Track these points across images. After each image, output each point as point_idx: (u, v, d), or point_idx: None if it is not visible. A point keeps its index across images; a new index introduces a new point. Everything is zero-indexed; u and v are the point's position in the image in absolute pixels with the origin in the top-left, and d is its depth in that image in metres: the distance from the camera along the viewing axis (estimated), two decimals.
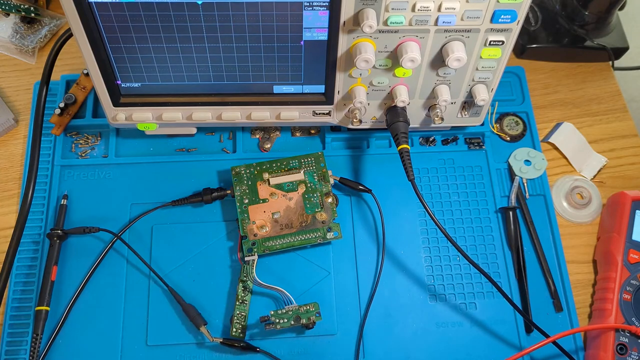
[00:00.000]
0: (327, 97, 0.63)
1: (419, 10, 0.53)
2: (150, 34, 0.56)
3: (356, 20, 0.54)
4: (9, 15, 0.78)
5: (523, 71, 0.77)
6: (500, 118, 0.74)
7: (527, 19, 0.79)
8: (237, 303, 0.61)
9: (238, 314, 0.61)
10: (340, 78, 0.61)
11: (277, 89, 0.63)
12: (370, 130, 0.70)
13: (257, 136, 0.71)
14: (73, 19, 0.53)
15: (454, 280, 0.65)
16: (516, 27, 0.56)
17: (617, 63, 0.80)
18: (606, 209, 0.70)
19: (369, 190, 0.67)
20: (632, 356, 0.60)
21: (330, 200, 0.64)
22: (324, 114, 0.65)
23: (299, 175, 0.65)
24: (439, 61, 0.59)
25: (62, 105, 0.70)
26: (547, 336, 0.60)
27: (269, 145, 0.71)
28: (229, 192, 0.66)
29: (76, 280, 0.63)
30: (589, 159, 0.73)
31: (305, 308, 0.60)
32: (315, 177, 0.66)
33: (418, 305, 0.64)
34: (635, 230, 0.65)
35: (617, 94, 0.78)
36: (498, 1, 0.53)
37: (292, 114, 0.64)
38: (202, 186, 0.67)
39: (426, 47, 0.57)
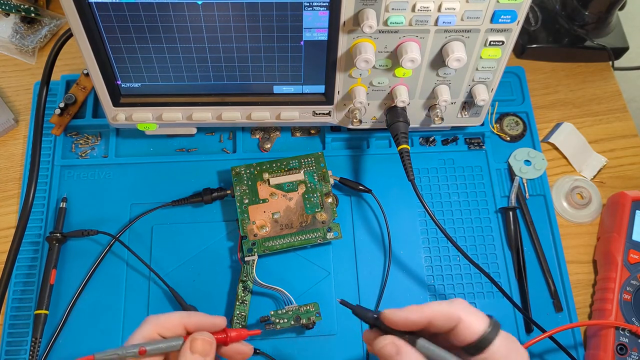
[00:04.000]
0: (327, 97, 0.63)
1: (419, 10, 0.53)
2: (150, 34, 0.56)
3: (356, 21, 0.54)
4: (9, 15, 0.77)
5: (523, 71, 0.77)
6: (500, 118, 0.73)
7: (527, 19, 0.79)
8: (237, 303, 0.61)
9: (238, 314, 0.61)
10: (340, 78, 0.61)
11: (277, 89, 0.62)
12: (370, 130, 0.70)
13: (257, 136, 0.71)
14: (73, 19, 0.53)
15: (454, 280, 0.65)
16: (516, 27, 0.56)
17: (617, 63, 0.80)
18: (606, 209, 0.70)
19: (369, 190, 0.67)
20: (632, 356, 0.60)
21: (330, 200, 0.64)
22: (324, 114, 0.65)
23: (299, 176, 0.65)
24: (439, 61, 0.59)
25: (62, 105, 0.70)
26: (544, 332, 0.60)
27: (269, 145, 0.71)
28: (229, 192, 0.66)
29: (75, 283, 0.63)
30: (589, 159, 0.73)
31: (305, 308, 0.60)
32: (315, 177, 0.66)
33: None
34: (635, 230, 0.65)
35: (617, 94, 0.78)
36: (498, 1, 0.53)
37: (292, 114, 0.64)
38: (202, 186, 0.67)
39: (426, 47, 0.57)
